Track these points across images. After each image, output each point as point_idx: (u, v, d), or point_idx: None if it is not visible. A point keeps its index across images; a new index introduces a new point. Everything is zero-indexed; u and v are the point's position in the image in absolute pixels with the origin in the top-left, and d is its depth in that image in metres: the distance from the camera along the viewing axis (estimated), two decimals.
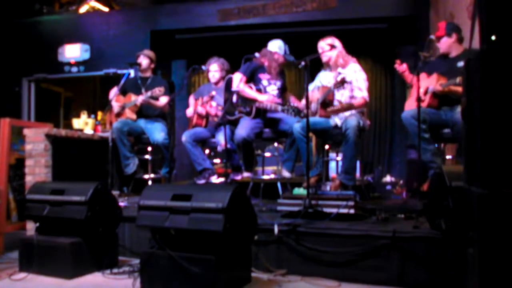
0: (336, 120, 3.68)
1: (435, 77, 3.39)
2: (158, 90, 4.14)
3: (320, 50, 3.77)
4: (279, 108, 3.73)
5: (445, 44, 3.45)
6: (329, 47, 3.71)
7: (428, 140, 3.27)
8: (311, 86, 3.94)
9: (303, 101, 3.86)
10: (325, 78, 3.88)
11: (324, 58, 3.83)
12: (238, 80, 4.00)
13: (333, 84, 3.61)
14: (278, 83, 4.13)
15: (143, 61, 4.50)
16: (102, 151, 4.14)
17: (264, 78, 4.09)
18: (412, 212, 2.90)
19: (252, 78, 4.08)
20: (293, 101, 4.01)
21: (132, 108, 4.37)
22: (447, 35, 3.42)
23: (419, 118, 2.99)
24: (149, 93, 4.17)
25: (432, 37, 3.43)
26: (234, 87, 3.99)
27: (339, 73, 3.73)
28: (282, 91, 4.19)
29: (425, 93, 3.43)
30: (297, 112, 3.59)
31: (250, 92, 3.99)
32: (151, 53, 4.57)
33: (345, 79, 3.52)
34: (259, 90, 4.02)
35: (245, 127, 3.89)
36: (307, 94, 3.05)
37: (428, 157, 3.27)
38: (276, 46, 4.05)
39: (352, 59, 3.84)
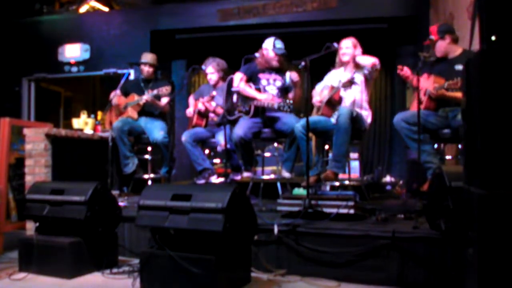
0: None
1: (432, 79, 3.39)
2: (164, 89, 4.15)
3: (342, 49, 3.75)
4: (275, 105, 3.71)
5: (441, 47, 3.41)
6: (352, 48, 3.72)
7: (422, 141, 3.26)
8: (320, 86, 3.95)
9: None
10: (334, 77, 3.89)
11: (344, 58, 3.80)
12: (238, 79, 4.01)
13: (342, 83, 3.61)
14: (278, 83, 4.13)
15: (149, 70, 4.52)
16: (102, 151, 4.14)
17: (264, 78, 4.10)
18: (412, 212, 2.90)
19: (252, 78, 4.08)
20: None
21: (135, 107, 4.38)
22: (440, 38, 3.38)
23: (419, 119, 3.00)
24: (155, 91, 4.19)
25: (432, 37, 3.42)
26: (235, 86, 4.00)
27: (355, 72, 3.74)
28: (283, 92, 4.19)
29: (424, 94, 3.42)
30: (293, 108, 3.58)
31: (249, 90, 3.99)
32: (154, 60, 4.56)
33: (353, 79, 3.51)
34: (258, 90, 4.02)
35: (242, 126, 3.88)
36: (307, 94, 3.04)
37: (425, 158, 3.27)
38: (266, 43, 4.08)
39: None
